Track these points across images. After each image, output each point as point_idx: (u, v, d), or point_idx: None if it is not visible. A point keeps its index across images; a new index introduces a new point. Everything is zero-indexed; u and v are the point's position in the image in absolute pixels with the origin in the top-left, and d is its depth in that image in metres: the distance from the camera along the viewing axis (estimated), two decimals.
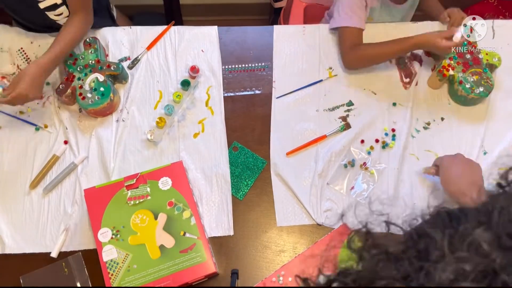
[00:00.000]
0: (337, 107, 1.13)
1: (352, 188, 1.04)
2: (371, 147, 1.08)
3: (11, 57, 1.14)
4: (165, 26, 1.21)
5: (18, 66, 1.14)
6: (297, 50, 1.19)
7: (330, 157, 1.06)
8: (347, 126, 1.10)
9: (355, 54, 1.12)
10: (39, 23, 1.15)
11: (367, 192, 1.03)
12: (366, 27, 1.15)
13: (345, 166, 1.05)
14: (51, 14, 1.10)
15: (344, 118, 1.11)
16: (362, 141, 1.08)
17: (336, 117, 1.11)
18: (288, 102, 1.13)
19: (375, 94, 1.14)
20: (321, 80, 1.16)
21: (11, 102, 0.96)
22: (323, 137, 1.08)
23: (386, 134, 1.09)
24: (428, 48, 1.10)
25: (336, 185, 1.04)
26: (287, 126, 1.10)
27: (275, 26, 1.22)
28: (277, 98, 1.13)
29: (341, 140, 1.08)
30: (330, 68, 1.17)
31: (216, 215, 1.00)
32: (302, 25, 1.24)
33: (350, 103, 1.13)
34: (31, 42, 1.16)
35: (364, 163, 1.05)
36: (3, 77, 1.12)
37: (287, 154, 1.07)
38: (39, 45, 1.16)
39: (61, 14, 1.11)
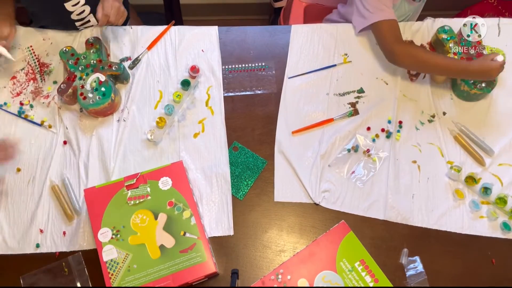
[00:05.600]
0: (348, 93, 1.14)
1: (353, 172, 1.05)
2: (377, 135, 1.09)
3: (23, 53, 1.16)
4: (165, 26, 1.21)
5: (28, 62, 1.14)
6: (314, 37, 1.21)
7: (335, 140, 1.07)
8: (355, 112, 1.11)
9: (405, 51, 1.07)
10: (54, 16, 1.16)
11: (366, 177, 1.04)
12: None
13: (349, 150, 1.06)
14: (68, 5, 1.10)
15: (353, 104, 1.12)
16: (369, 128, 1.09)
17: (345, 102, 1.13)
18: (300, 83, 1.15)
19: (387, 84, 1.15)
20: (334, 65, 1.17)
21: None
22: (330, 120, 1.10)
23: (389, 122, 1.10)
24: (480, 75, 1.06)
25: (337, 168, 1.05)
26: (296, 106, 1.12)
27: (292, 26, 1.23)
28: (289, 78, 1.15)
29: (347, 125, 1.09)
30: (346, 54, 1.18)
31: (216, 215, 1.00)
32: (319, 23, 1.24)
33: (361, 90, 1.14)
34: (43, 39, 1.17)
35: (368, 150, 1.06)
36: (13, 77, 1.13)
37: (293, 133, 1.08)
38: (51, 42, 1.17)
39: (77, 3, 1.11)
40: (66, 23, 1.16)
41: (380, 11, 1.09)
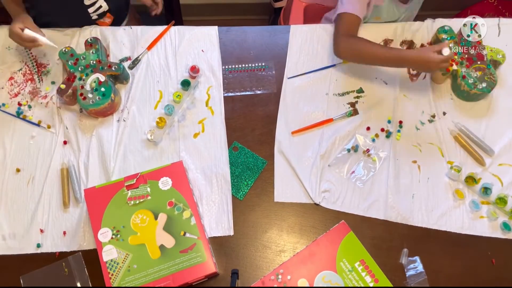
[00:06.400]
0: (347, 92, 1.14)
1: (353, 172, 1.05)
2: (376, 135, 1.09)
3: (20, 54, 1.16)
4: (165, 26, 1.21)
5: (25, 63, 1.15)
6: (313, 37, 1.21)
7: (335, 140, 1.08)
8: (354, 112, 1.11)
9: (347, 44, 1.09)
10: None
11: (366, 177, 1.04)
12: (370, 26, 1.15)
13: (348, 150, 1.07)
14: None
15: (352, 104, 1.13)
16: (368, 128, 1.10)
17: (345, 102, 1.13)
18: (299, 83, 1.15)
19: (386, 84, 1.15)
20: (334, 65, 1.17)
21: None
22: (330, 120, 1.10)
23: (389, 122, 1.10)
24: (419, 65, 1.03)
25: (337, 168, 1.05)
26: (296, 107, 1.12)
27: (291, 26, 1.23)
28: (289, 78, 1.15)
29: (347, 125, 1.10)
30: None
31: (216, 215, 1.00)
32: (318, 24, 1.25)
33: (360, 90, 1.14)
34: None
35: (368, 150, 1.07)
36: (11, 78, 1.13)
37: (293, 133, 1.08)
38: None
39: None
40: (80, 15, 1.18)
41: (350, 4, 1.10)
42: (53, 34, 1.18)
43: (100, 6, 1.20)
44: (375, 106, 1.12)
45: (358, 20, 1.11)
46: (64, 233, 0.97)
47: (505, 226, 0.99)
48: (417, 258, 0.96)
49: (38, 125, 1.08)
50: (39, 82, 1.13)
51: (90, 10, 1.19)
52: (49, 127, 1.08)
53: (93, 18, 1.22)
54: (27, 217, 0.99)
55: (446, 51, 0.99)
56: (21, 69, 1.14)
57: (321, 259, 0.94)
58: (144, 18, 1.57)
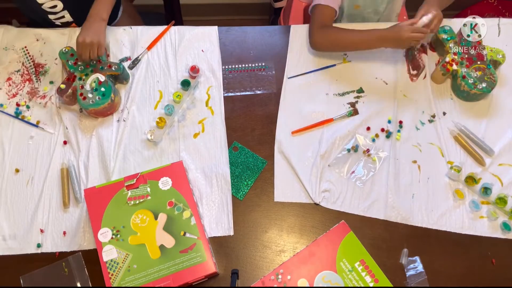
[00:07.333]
0: (347, 92, 1.14)
1: (353, 172, 1.05)
2: (376, 135, 1.09)
3: (17, 54, 1.16)
4: (165, 26, 1.21)
5: (23, 64, 1.15)
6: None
7: (335, 140, 1.08)
8: (355, 112, 1.11)
9: (324, 35, 1.12)
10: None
11: (366, 177, 1.04)
12: (370, 26, 1.15)
13: (348, 150, 1.07)
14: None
15: (353, 104, 1.13)
16: (368, 128, 1.10)
17: (345, 102, 1.13)
18: (300, 83, 1.15)
19: (386, 84, 1.15)
20: (334, 65, 1.17)
21: (79, 54, 1.06)
22: (330, 120, 1.10)
23: (389, 122, 1.10)
24: (393, 41, 1.07)
25: (337, 167, 1.05)
26: (296, 107, 1.12)
27: (292, 26, 1.23)
28: (289, 78, 1.16)
29: (347, 125, 1.10)
30: (345, 54, 1.19)
31: (216, 215, 1.00)
32: None
33: (360, 90, 1.14)
34: (37, 40, 1.17)
35: (368, 150, 1.07)
36: (9, 78, 1.13)
37: (293, 133, 1.08)
38: (45, 42, 1.17)
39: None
40: (41, 14, 1.17)
41: None
42: (51, 33, 1.18)
43: (63, 16, 1.19)
44: (375, 106, 1.12)
45: (332, 11, 1.13)
46: (64, 233, 0.97)
47: (505, 226, 0.99)
48: (417, 258, 0.96)
49: (36, 125, 1.08)
50: (37, 82, 1.13)
51: (52, 17, 1.18)
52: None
53: (56, 24, 1.21)
54: (27, 217, 0.99)
55: (421, 22, 1.05)
56: (18, 70, 1.14)
57: (321, 259, 0.94)
58: (144, 18, 1.57)
